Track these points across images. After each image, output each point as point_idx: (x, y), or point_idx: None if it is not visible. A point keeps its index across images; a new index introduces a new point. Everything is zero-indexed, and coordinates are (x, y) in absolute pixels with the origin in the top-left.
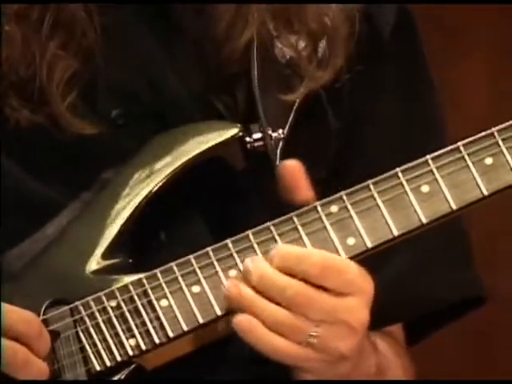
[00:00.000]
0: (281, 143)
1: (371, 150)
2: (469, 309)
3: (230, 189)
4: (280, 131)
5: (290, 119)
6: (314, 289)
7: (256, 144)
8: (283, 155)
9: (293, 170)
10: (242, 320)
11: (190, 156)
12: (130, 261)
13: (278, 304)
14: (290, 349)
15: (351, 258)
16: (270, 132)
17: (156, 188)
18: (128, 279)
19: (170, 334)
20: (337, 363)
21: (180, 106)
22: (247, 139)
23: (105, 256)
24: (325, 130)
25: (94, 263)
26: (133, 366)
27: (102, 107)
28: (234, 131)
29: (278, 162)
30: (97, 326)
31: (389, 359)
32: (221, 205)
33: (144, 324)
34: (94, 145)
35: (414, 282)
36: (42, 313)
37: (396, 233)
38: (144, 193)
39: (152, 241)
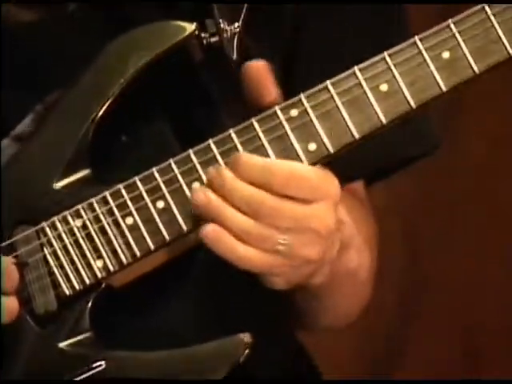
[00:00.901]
0: (236, 37)
1: (328, 42)
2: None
3: (191, 89)
4: (236, 25)
5: (244, 11)
6: (279, 198)
7: (212, 40)
8: (239, 49)
9: (258, 70)
10: (208, 230)
11: (147, 58)
12: (91, 171)
13: (244, 214)
14: (256, 257)
15: (314, 164)
16: (225, 26)
17: (116, 92)
18: (93, 196)
19: (137, 254)
20: (303, 266)
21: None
22: (203, 35)
23: (68, 169)
24: (279, 21)
25: (58, 178)
26: (102, 286)
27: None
28: (190, 28)
29: (234, 56)
30: (64, 249)
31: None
32: (183, 105)
33: (110, 243)
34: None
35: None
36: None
37: (357, 136)
38: (104, 98)
39: (114, 147)
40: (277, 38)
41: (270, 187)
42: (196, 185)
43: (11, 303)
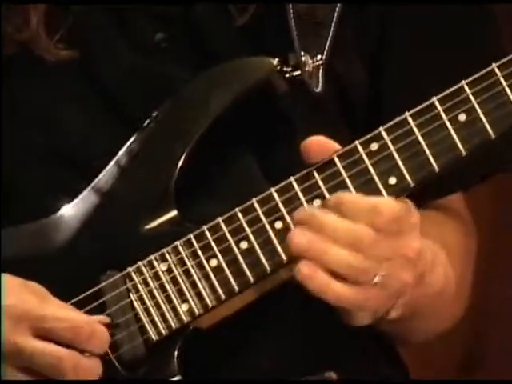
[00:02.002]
0: (321, 69)
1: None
2: None
3: (274, 123)
4: (318, 57)
5: (328, 43)
6: (374, 230)
7: (294, 73)
8: (323, 81)
9: (317, 146)
10: (303, 268)
11: (231, 97)
12: (177, 213)
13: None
14: (352, 292)
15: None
16: (307, 59)
17: (201, 132)
18: (177, 239)
19: (222, 297)
20: (395, 295)
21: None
22: (285, 69)
23: (155, 212)
24: (365, 39)
25: (145, 221)
26: (189, 329)
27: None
28: (272, 64)
29: (318, 88)
30: (150, 293)
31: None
32: (266, 140)
33: (195, 286)
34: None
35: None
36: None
37: (437, 169)
38: (189, 138)
39: (200, 186)
40: (365, 56)
41: (372, 224)
42: (278, 224)
43: (95, 365)
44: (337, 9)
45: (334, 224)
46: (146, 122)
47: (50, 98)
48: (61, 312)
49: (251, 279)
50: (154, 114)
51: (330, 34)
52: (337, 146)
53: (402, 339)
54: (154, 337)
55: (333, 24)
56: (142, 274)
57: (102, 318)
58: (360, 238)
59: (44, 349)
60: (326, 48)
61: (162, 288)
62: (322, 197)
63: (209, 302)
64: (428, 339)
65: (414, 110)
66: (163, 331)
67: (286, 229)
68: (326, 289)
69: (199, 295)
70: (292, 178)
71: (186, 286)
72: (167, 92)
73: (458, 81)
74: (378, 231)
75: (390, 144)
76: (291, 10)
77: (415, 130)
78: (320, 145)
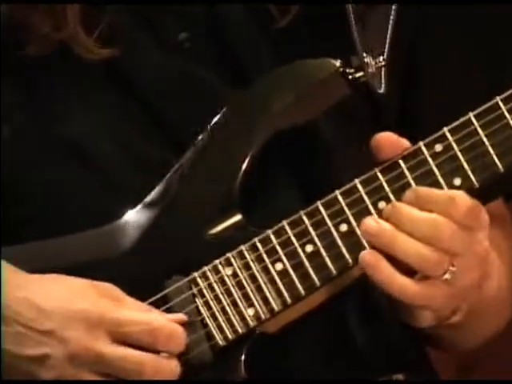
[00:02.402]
0: (383, 70)
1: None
2: None
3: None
4: (380, 58)
5: (388, 43)
6: (454, 224)
7: (357, 75)
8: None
9: (387, 142)
10: (368, 256)
11: (292, 98)
12: (242, 217)
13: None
14: (417, 287)
15: None
16: (370, 60)
17: (265, 136)
18: (242, 243)
19: (288, 301)
20: (461, 296)
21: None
22: (347, 70)
23: (220, 216)
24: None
25: (210, 226)
26: (255, 334)
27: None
28: (335, 65)
29: (382, 89)
30: (216, 298)
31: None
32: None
33: (261, 291)
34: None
35: None
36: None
37: (502, 168)
38: (252, 142)
39: (264, 189)
40: (403, 63)
41: (450, 217)
42: (343, 226)
43: (175, 366)
44: (393, 8)
45: (413, 215)
46: (213, 123)
47: (83, 99)
48: (137, 315)
49: (317, 283)
50: (216, 118)
51: (389, 34)
52: (407, 143)
53: (450, 345)
54: (221, 342)
55: (390, 24)
56: (207, 278)
57: (178, 316)
58: (439, 230)
59: (124, 355)
60: (386, 48)
61: (228, 293)
62: (386, 199)
63: (275, 307)
64: (474, 347)
65: (478, 110)
66: (230, 336)
67: (351, 232)
68: (391, 280)
69: (265, 299)
70: (357, 181)
71: (251, 291)
72: (193, 91)
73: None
74: (455, 223)
75: (454, 145)
76: (351, 10)
77: (479, 130)
78: (391, 140)
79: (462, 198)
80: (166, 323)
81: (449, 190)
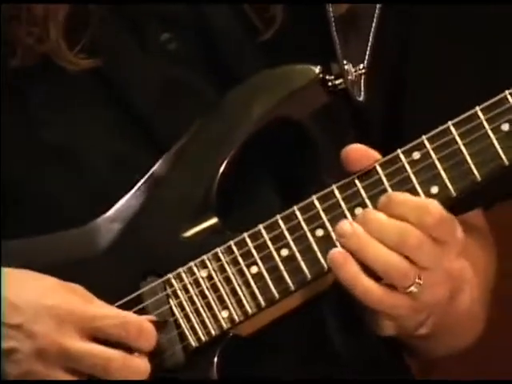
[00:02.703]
0: (363, 78)
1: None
2: None
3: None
4: (361, 66)
5: (368, 52)
6: (425, 235)
7: (336, 82)
8: (366, 90)
9: (357, 155)
10: (336, 254)
11: (273, 104)
12: (218, 220)
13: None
14: (380, 292)
15: None
16: (350, 68)
17: (242, 140)
18: (217, 246)
19: (262, 304)
20: (423, 313)
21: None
22: (327, 77)
23: (195, 219)
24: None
25: (185, 228)
26: (229, 336)
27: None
28: (315, 71)
29: (361, 97)
30: (190, 300)
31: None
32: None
33: (236, 293)
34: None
35: None
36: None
37: (479, 178)
38: (229, 147)
39: (239, 193)
40: (387, 71)
41: (421, 225)
42: (319, 231)
43: (144, 364)
44: (375, 15)
45: (382, 220)
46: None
47: (70, 107)
48: (107, 310)
49: (292, 287)
50: (195, 122)
51: (370, 41)
52: (377, 155)
53: (423, 354)
54: (194, 343)
55: (372, 31)
56: (181, 280)
57: (149, 316)
58: (406, 237)
59: (92, 350)
60: (367, 56)
61: (202, 294)
62: (363, 205)
63: (249, 309)
64: (447, 354)
65: (457, 119)
66: (203, 337)
67: (327, 237)
68: (356, 281)
69: (239, 302)
70: (334, 186)
71: (226, 293)
72: (178, 95)
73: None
74: (425, 233)
75: (432, 153)
76: (332, 18)
77: (458, 139)
78: (361, 153)
79: (436, 206)
80: (137, 318)
81: (422, 198)
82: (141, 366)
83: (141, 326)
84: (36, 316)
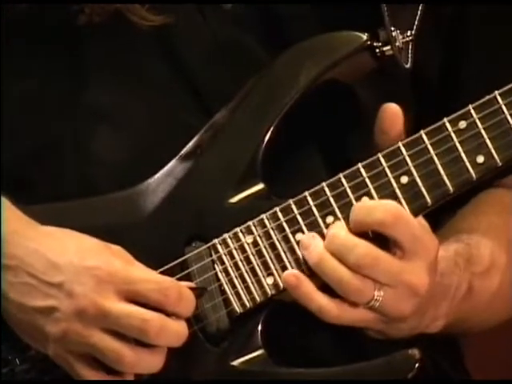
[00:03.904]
0: (411, 45)
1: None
2: None
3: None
4: (408, 33)
5: (417, 19)
6: (381, 251)
7: (384, 49)
8: (413, 57)
9: (393, 114)
10: (289, 275)
11: (320, 69)
12: (264, 186)
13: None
14: (336, 308)
15: (481, 178)
16: (397, 35)
17: (289, 106)
18: (263, 212)
19: (307, 271)
20: (397, 323)
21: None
22: (375, 44)
23: (241, 185)
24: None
25: (231, 194)
26: (273, 303)
27: None
28: (362, 38)
29: (408, 64)
30: (235, 266)
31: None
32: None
33: (281, 260)
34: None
35: None
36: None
37: None
38: (276, 112)
39: (285, 159)
40: (438, 38)
41: (378, 225)
42: (365, 199)
43: (182, 329)
44: None
45: (340, 238)
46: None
47: (124, 68)
48: (148, 274)
49: None
50: (244, 87)
51: (420, 9)
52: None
53: (456, 333)
54: (238, 309)
55: None
56: (227, 246)
57: (189, 283)
58: (359, 253)
59: (130, 312)
60: (416, 23)
61: (247, 260)
62: (409, 174)
63: None
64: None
65: (504, 88)
66: (247, 303)
67: None
68: (310, 301)
69: (284, 269)
70: (380, 154)
71: (271, 259)
72: (232, 55)
73: None
74: (384, 251)
75: (478, 122)
76: None
77: (504, 108)
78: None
79: (395, 205)
80: (177, 284)
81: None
82: (179, 328)
83: (180, 292)
84: (76, 276)
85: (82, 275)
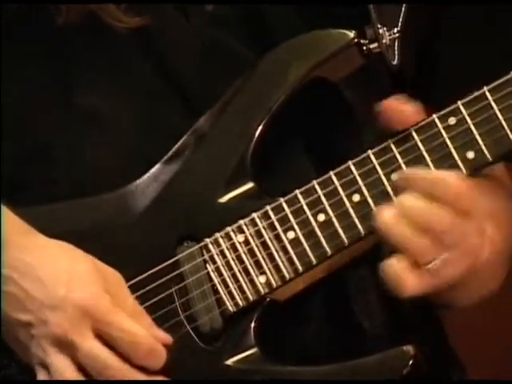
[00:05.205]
0: (397, 42)
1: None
2: None
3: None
4: (395, 30)
5: (402, 15)
6: (451, 212)
7: (371, 46)
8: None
9: (394, 108)
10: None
11: (308, 67)
12: (254, 185)
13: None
14: (408, 277)
15: (471, 173)
16: (384, 32)
17: (278, 104)
18: (254, 211)
19: (300, 269)
20: (458, 289)
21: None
22: (362, 41)
23: (231, 183)
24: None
25: (221, 193)
26: (266, 301)
27: None
28: (350, 36)
29: (395, 61)
30: (227, 265)
31: None
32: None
33: (273, 259)
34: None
35: None
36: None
37: None
38: (265, 111)
39: (275, 158)
40: (420, 34)
41: (442, 200)
42: (356, 197)
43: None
44: None
45: (408, 199)
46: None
47: (110, 70)
48: (126, 323)
49: (329, 252)
50: (232, 87)
51: (404, 6)
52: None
53: (444, 304)
54: (231, 308)
55: None
56: (219, 245)
57: (165, 337)
58: (433, 223)
59: (97, 354)
60: (401, 20)
61: (240, 260)
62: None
63: (286, 274)
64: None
65: (493, 84)
66: (240, 303)
67: (364, 202)
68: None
69: (277, 267)
70: (370, 152)
71: (263, 258)
72: (217, 57)
73: None
74: (447, 209)
75: (467, 118)
76: None
77: (493, 104)
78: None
79: (454, 179)
80: (149, 339)
81: (439, 171)
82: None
83: (150, 348)
84: (59, 302)
85: (66, 304)
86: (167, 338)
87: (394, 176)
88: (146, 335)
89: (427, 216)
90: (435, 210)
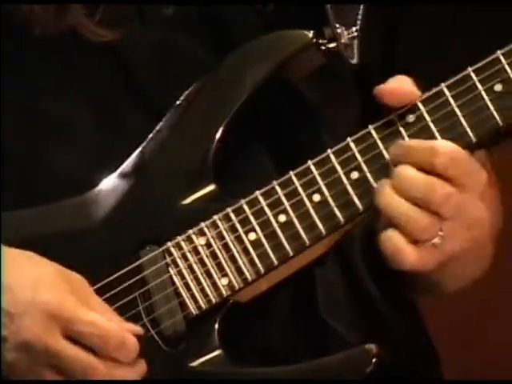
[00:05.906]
0: (356, 41)
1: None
2: None
3: (301, 103)
4: (353, 29)
5: (360, 14)
6: (447, 184)
7: (330, 46)
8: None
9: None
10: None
11: (268, 69)
12: (215, 187)
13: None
14: (408, 249)
15: None
16: (342, 31)
17: (237, 106)
18: (215, 213)
19: (261, 270)
20: (454, 265)
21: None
22: (320, 41)
23: (193, 186)
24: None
25: (183, 196)
26: (229, 303)
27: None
28: (308, 36)
29: (354, 60)
30: (189, 268)
31: None
32: (291, 118)
33: (235, 261)
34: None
35: None
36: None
37: (474, 140)
38: (225, 113)
39: (236, 160)
40: (380, 33)
41: (432, 166)
42: (316, 197)
43: (124, 373)
44: None
45: (408, 176)
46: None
47: (74, 79)
48: (94, 317)
49: (290, 253)
50: (191, 89)
51: (362, 5)
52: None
53: (428, 289)
54: (194, 311)
55: None
56: (181, 248)
57: (136, 328)
58: (432, 194)
59: (75, 355)
60: (359, 19)
61: (202, 262)
62: (359, 169)
63: (248, 276)
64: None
65: (450, 80)
66: (203, 305)
67: (324, 201)
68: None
69: (238, 269)
70: (329, 151)
71: (225, 260)
72: (174, 61)
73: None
74: (443, 181)
75: (426, 115)
76: None
77: (451, 100)
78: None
79: (443, 145)
80: (120, 331)
81: (429, 141)
82: (121, 375)
83: (122, 340)
84: (27, 308)
85: (33, 308)
86: (138, 329)
87: (353, 175)
88: (116, 327)
89: (424, 187)
90: (431, 179)
